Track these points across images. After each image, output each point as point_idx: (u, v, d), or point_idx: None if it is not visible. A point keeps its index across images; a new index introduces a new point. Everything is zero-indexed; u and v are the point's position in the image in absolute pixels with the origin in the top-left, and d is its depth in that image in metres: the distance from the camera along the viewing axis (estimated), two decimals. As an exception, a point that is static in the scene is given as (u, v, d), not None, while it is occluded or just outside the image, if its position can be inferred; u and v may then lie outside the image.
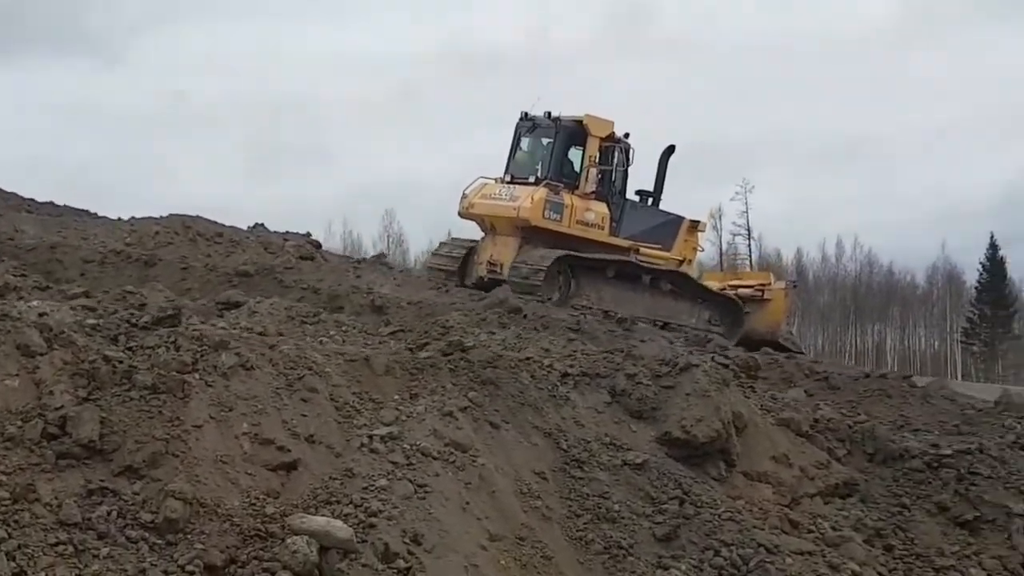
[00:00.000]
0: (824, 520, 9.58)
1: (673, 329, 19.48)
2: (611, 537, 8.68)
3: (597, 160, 20.15)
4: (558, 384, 9.82)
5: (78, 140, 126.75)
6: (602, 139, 20.25)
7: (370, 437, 8.36)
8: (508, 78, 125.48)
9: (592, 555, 8.54)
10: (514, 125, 20.88)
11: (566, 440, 9.35)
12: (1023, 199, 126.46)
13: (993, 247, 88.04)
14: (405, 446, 8.37)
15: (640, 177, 22.10)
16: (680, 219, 22.28)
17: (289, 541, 7.13)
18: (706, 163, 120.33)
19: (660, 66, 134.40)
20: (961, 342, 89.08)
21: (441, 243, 22.59)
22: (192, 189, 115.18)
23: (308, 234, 18.68)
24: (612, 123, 20.30)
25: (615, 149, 20.43)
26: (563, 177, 19.97)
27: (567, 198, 19.66)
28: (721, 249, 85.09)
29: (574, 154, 20.52)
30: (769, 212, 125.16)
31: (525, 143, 20.91)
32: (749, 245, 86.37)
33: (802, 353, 20.45)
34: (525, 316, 14.04)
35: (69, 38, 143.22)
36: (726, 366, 10.67)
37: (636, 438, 9.66)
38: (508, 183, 20.17)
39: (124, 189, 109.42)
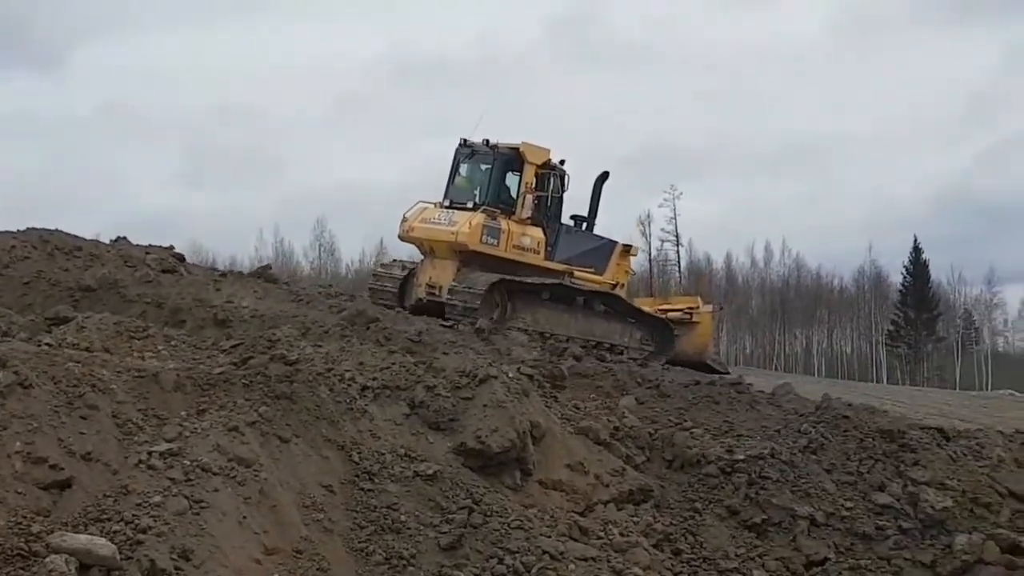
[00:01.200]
0: (615, 526, 9.85)
1: (606, 350, 20.23)
2: (394, 548, 8.88)
3: (533, 186, 20.81)
4: (357, 397, 10.00)
5: (12, 151, 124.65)
6: (538, 166, 20.88)
7: (149, 454, 8.46)
8: (451, 86, 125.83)
9: (372, 566, 8.73)
10: (453, 150, 21.52)
11: (359, 453, 9.53)
12: (954, 204, 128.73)
13: (917, 251, 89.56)
14: (185, 462, 8.47)
15: (576, 202, 22.57)
16: (613, 243, 23.00)
17: (47, 560, 7.21)
18: (651, 169, 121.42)
19: (604, 73, 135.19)
20: (886, 345, 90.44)
21: (381, 264, 23.28)
22: (129, 200, 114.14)
23: (171, 247, 18.69)
24: (548, 151, 21.12)
25: (551, 176, 21.04)
26: (500, 202, 20.53)
27: (504, 223, 20.22)
28: (650, 255, 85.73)
29: (511, 180, 21.09)
30: (707, 217, 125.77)
31: (463, 169, 21.41)
32: (678, 251, 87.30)
33: (727, 373, 20.81)
34: (368, 328, 14.21)
35: (6, 46, 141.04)
36: (530, 377, 10.90)
37: (433, 449, 9.87)
38: (447, 207, 20.65)
39: (59, 199, 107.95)
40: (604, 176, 22.42)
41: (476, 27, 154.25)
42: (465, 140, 21.19)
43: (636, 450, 10.80)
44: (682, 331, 22.34)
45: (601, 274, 21.82)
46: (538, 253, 20.65)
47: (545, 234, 20.86)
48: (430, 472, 9.52)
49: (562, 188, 21.26)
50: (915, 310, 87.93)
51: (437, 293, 20.01)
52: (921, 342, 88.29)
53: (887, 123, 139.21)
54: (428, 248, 20.64)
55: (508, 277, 19.71)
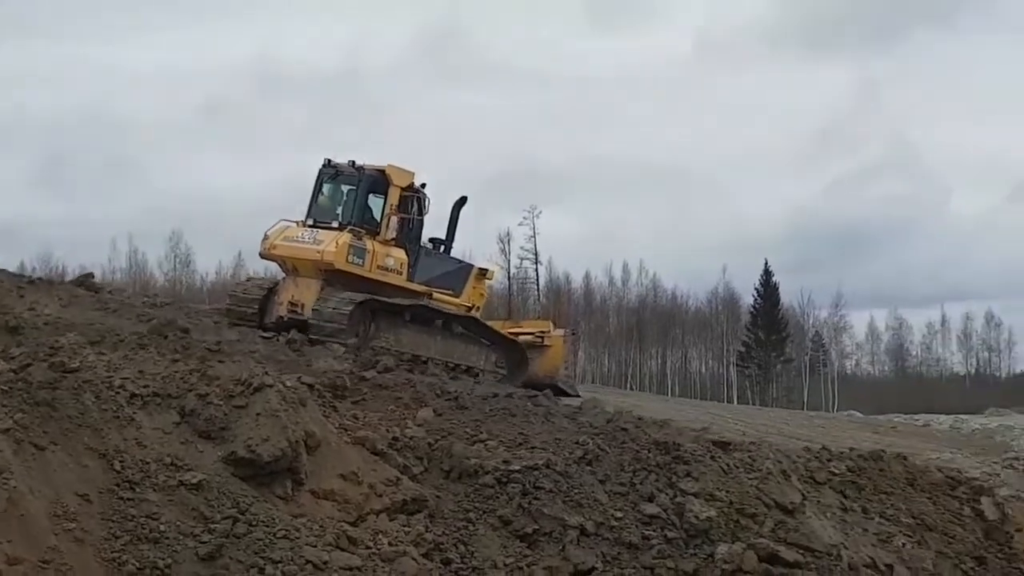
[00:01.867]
0: (384, 536, 9.87)
1: (463, 371, 20.48)
2: (148, 557, 8.73)
3: (397, 208, 21.04)
4: (125, 405, 9.83)
5: None
6: (403, 188, 21.13)
7: None
8: (316, 97, 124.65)
9: (124, 576, 8.57)
10: (316, 171, 21.54)
11: (122, 461, 9.35)
12: (806, 229, 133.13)
13: (767, 273, 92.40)
14: (-71, 470, 8.21)
15: (432, 224, 22.82)
16: (470, 266, 23.41)
17: None
18: (513, 188, 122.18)
19: (470, 91, 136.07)
20: (737, 366, 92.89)
21: (237, 283, 23.17)
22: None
23: (-27, 254, 18.16)
24: (413, 173, 21.43)
25: (414, 198, 21.37)
26: (365, 223, 20.68)
27: (369, 243, 20.39)
28: (509, 273, 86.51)
29: (374, 201, 21.27)
30: (568, 236, 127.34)
31: (327, 189, 21.48)
32: (536, 270, 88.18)
33: (577, 396, 21.50)
34: (166, 338, 13.97)
35: None
36: (311, 387, 10.87)
37: (202, 458, 9.75)
38: (311, 226, 20.63)
39: None
40: (462, 201, 22.89)
41: (345, 38, 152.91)
42: (329, 160, 21.36)
43: (415, 460, 10.85)
44: (534, 354, 22.75)
45: (458, 296, 22.19)
46: (401, 274, 20.92)
47: (408, 255, 21.11)
48: (195, 481, 9.41)
49: (422, 211, 21.62)
50: (765, 331, 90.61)
51: (300, 311, 20.04)
52: (770, 363, 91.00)
53: (745, 150, 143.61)
54: (291, 267, 20.65)
55: (374, 297, 19.88)
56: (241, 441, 9.79)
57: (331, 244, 19.80)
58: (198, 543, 8.99)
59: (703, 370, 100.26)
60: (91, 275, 22.43)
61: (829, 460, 20.15)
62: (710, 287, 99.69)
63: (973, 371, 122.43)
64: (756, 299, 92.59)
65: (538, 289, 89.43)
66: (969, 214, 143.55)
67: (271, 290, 21.00)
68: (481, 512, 10.54)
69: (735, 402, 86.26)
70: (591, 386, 71.31)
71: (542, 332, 23.62)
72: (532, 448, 12.17)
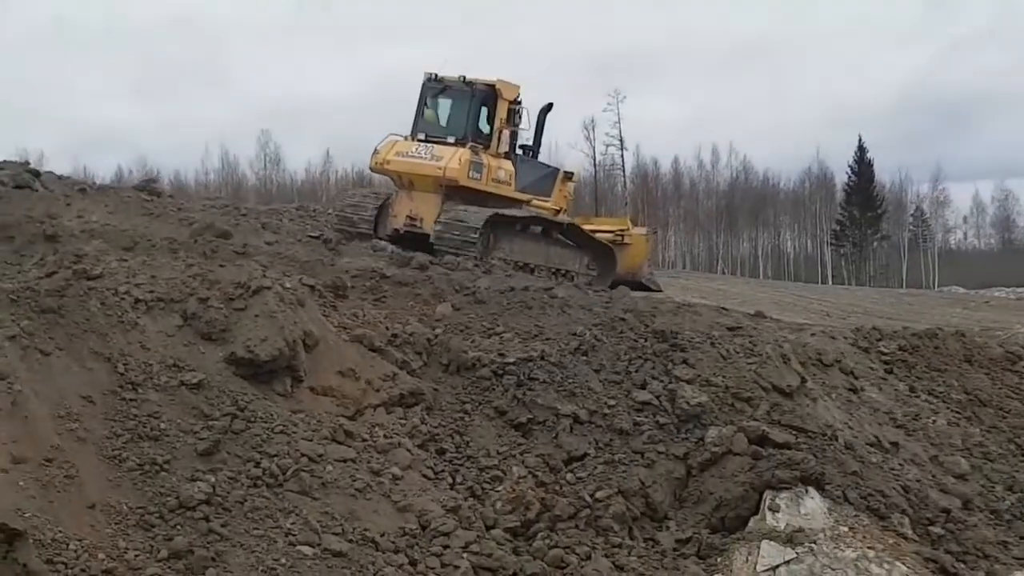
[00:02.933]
0: (381, 429, 10.24)
1: (562, 275, 21.11)
2: (148, 454, 9.22)
3: (506, 121, 21.56)
4: (129, 310, 10.26)
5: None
6: (511, 102, 21.61)
7: None
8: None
9: (123, 472, 9.07)
10: (420, 85, 21.89)
11: (125, 364, 9.82)
12: (909, 102, 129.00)
13: (861, 150, 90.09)
14: (-67, 377, 8.75)
15: None
16: (557, 170, 23.91)
17: None
18: (611, 72, 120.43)
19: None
20: (831, 245, 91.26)
21: (348, 193, 23.63)
22: (82, 112, 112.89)
23: (27, 163, 18.72)
24: (519, 87, 21.84)
25: (519, 110, 21.83)
26: (478, 138, 21.18)
27: (484, 158, 20.93)
28: (595, 160, 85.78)
29: (484, 115, 21.67)
30: (658, 121, 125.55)
31: (434, 103, 21.86)
32: (622, 156, 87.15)
33: (660, 291, 22.27)
34: (197, 242, 14.44)
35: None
36: (312, 287, 11.18)
37: (203, 359, 10.18)
38: (423, 141, 21.12)
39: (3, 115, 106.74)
40: (548, 107, 23.09)
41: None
42: (435, 75, 21.64)
43: (414, 355, 11.15)
44: (617, 252, 23.24)
45: (549, 200, 22.72)
46: (510, 185, 21.45)
47: (514, 166, 21.61)
48: (195, 381, 9.85)
49: (521, 122, 22.04)
50: (860, 208, 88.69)
51: (419, 225, 20.65)
52: (866, 241, 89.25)
53: (843, 23, 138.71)
54: (407, 181, 21.10)
55: (499, 212, 20.42)
56: (240, 342, 10.18)
57: (453, 161, 20.24)
58: (197, 439, 9.44)
59: (796, 251, 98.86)
60: (154, 180, 23.15)
61: (879, 340, 20.05)
62: (803, 167, 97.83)
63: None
64: (850, 176, 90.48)
65: (624, 175, 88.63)
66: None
67: (384, 203, 21.50)
68: (477, 403, 10.84)
69: (830, 282, 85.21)
70: (680, 272, 71.14)
71: (621, 230, 24.07)
72: (547, 340, 12.40)
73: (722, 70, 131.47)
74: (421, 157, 20.71)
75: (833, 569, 9.28)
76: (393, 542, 9.25)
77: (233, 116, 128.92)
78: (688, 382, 10.99)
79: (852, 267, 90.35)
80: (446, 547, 9.31)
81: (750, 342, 11.70)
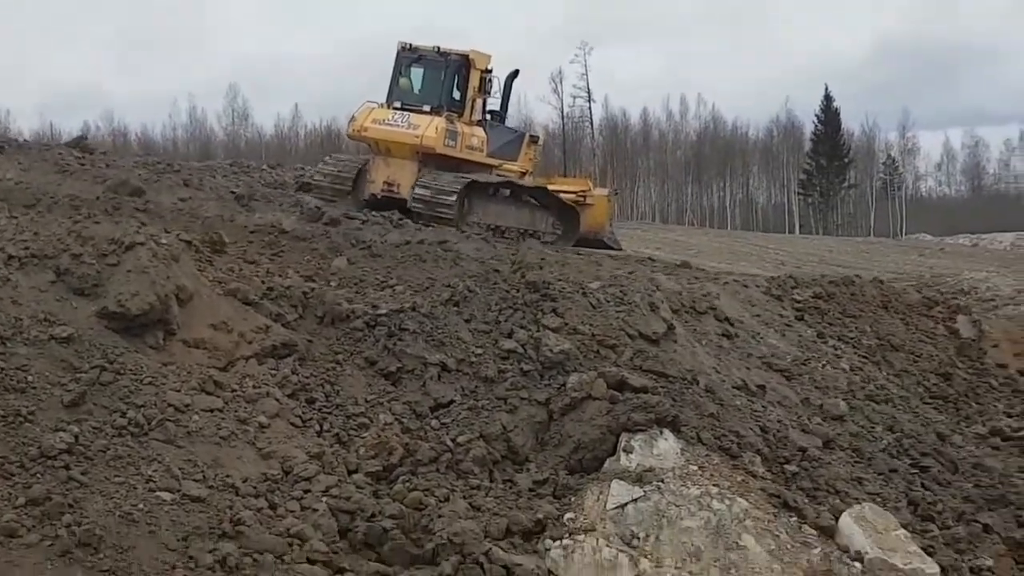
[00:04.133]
0: (251, 379, 10.55)
1: (531, 236, 21.95)
2: (13, 406, 9.49)
3: (479, 90, 22.31)
4: (2, 266, 10.49)
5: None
6: (483, 71, 22.32)
7: None
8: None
9: (-14, 425, 9.35)
10: (395, 55, 22.55)
11: (-6, 319, 10.07)
12: (881, 51, 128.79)
13: (828, 99, 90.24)
14: None
15: None
16: (523, 134, 24.95)
17: None
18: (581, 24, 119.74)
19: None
20: (798, 194, 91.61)
21: (325, 160, 24.01)
22: (50, 69, 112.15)
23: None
24: (490, 56, 22.52)
25: (490, 79, 22.56)
26: (452, 106, 21.87)
27: (459, 126, 21.65)
28: (563, 113, 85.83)
29: (457, 84, 22.31)
30: (628, 73, 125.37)
31: (409, 73, 22.47)
32: (590, 107, 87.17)
33: (620, 250, 23.46)
34: (99, 200, 14.65)
35: None
36: (189, 243, 11.43)
37: (75, 314, 10.45)
38: (399, 110, 21.78)
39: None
40: (515, 73, 23.88)
41: None
42: (409, 44, 22.41)
43: (289, 308, 11.44)
44: (580, 212, 24.14)
45: (516, 163, 23.50)
46: (482, 151, 22.21)
47: (485, 132, 22.35)
48: (65, 335, 10.12)
49: (491, 90, 22.81)
50: (827, 158, 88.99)
51: (396, 191, 21.34)
52: (833, 190, 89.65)
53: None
54: (384, 148, 21.77)
55: (475, 179, 21.22)
56: (112, 296, 10.45)
57: (430, 129, 20.94)
58: (63, 391, 9.73)
59: (765, 201, 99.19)
60: (84, 137, 23.28)
61: (794, 288, 20.45)
62: (771, 117, 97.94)
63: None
64: (817, 125, 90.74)
65: (592, 127, 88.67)
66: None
67: (362, 169, 22.15)
68: (349, 354, 11.16)
69: (797, 231, 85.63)
70: (645, 224, 71.44)
71: (583, 191, 24.94)
72: (428, 291, 12.70)
73: (693, 20, 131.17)
74: (398, 125, 21.38)
75: (677, 506, 9.67)
76: (254, 487, 9.59)
77: (204, 72, 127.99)
78: (554, 330, 11.32)
79: (819, 216, 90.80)
80: (307, 491, 9.66)
81: (620, 291, 12.02)
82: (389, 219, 18.34)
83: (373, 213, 18.99)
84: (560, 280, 12.11)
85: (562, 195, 24.09)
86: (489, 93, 22.56)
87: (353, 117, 22.31)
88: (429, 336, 11.28)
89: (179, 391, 10.13)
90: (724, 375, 12.12)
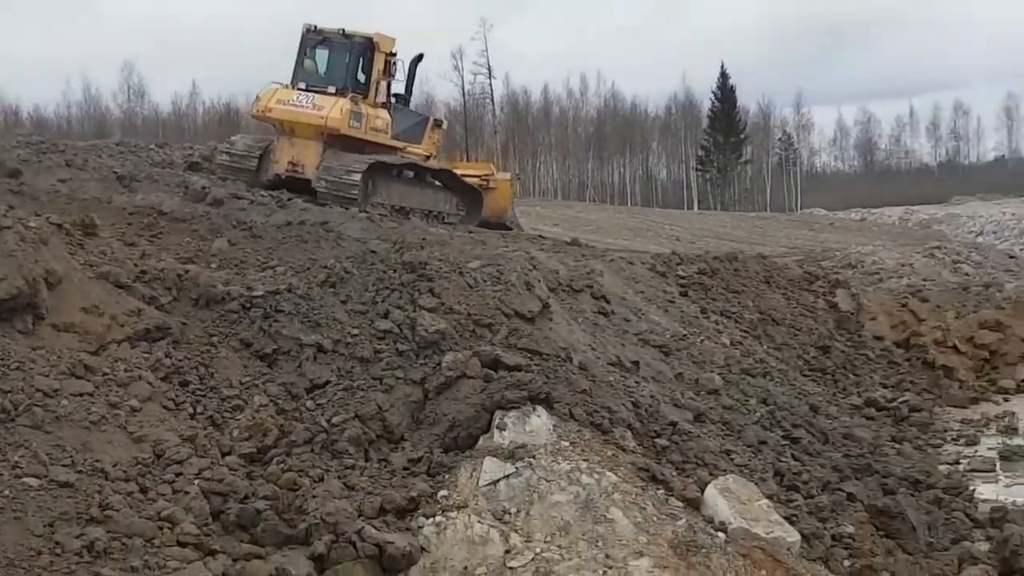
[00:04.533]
0: (123, 363, 10.46)
1: (434, 217, 22.68)
2: None
3: (383, 73, 22.73)
4: None
5: None
6: (387, 54, 22.77)
7: None
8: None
9: None
10: (300, 36, 22.86)
11: None
12: (775, 27, 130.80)
13: (723, 76, 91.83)
14: None
15: None
16: (427, 118, 25.71)
17: None
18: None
19: None
20: (696, 170, 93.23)
21: (231, 140, 24.23)
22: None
23: None
24: (395, 40, 23.02)
25: (394, 62, 23.06)
26: (356, 88, 22.21)
27: (364, 108, 22.00)
28: (464, 90, 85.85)
29: (363, 66, 22.74)
30: (530, 50, 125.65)
31: (314, 54, 22.72)
32: (491, 84, 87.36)
33: (522, 231, 24.59)
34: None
35: None
36: (59, 226, 11.29)
37: (-60, 300, 10.23)
38: (304, 91, 21.99)
39: None
40: (419, 58, 24.44)
41: None
42: (314, 26, 22.68)
43: (163, 291, 11.37)
44: (484, 195, 24.92)
45: (419, 146, 24.09)
46: (387, 133, 22.73)
47: (390, 114, 22.83)
48: (-75, 321, 9.92)
49: (395, 73, 23.35)
50: (723, 134, 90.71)
51: (300, 171, 21.70)
52: (730, 166, 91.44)
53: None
54: (289, 129, 22.02)
55: (379, 159, 21.59)
56: (-25, 282, 10.25)
57: (335, 110, 21.30)
58: (-78, 379, 9.55)
59: (665, 177, 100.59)
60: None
61: (678, 264, 20.87)
62: (670, 94, 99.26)
63: (943, 160, 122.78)
64: (713, 102, 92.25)
65: (493, 104, 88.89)
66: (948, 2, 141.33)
67: (267, 148, 22.32)
68: (224, 336, 11.15)
69: (696, 207, 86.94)
70: (545, 200, 71.89)
71: (486, 175, 25.77)
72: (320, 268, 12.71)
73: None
74: (303, 106, 21.69)
75: (548, 481, 9.87)
76: (124, 471, 9.53)
77: (98, 47, 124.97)
78: (430, 310, 11.44)
79: (717, 192, 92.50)
80: (179, 474, 9.63)
81: (497, 271, 12.18)
82: (278, 199, 18.30)
83: (262, 193, 18.93)
84: (438, 260, 12.22)
85: (466, 179, 24.65)
86: (394, 76, 22.99)
87: (258, 97, 22.57)
88: (305, 317, 11.32)
89: (48, 376, 10.00)
90: (599, 352, 12.38)
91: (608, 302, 14.30)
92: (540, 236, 24.12)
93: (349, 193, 20.68)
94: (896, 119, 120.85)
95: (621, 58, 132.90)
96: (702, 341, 15.53)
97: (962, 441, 17.32)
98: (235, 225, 14.18)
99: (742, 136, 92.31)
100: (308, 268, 13.00)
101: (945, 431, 18.04)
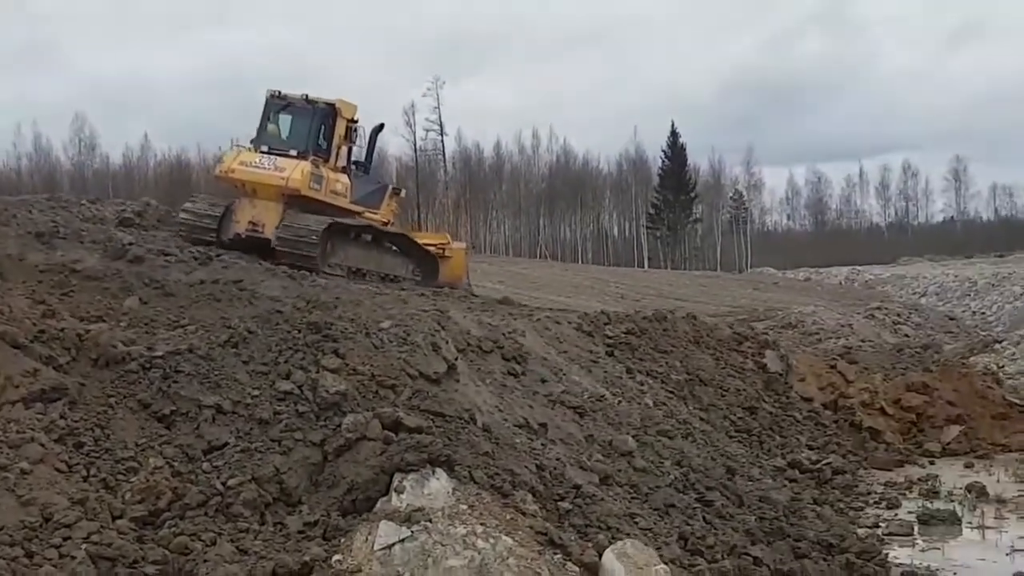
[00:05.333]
0: (16, 424, 10.30)
1: (391, 280, 23.15)
2: None
3: (344, 138, 23.40)
4: None
5: None
6: (348, 120, 23.42)
7: None
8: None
9: None
10: (264, 101, 23.48)
11: None
12: (729, 89, 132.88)
13: (674, 134, 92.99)
14: None
15: None
16: (386, 186, 26.71)
17: None
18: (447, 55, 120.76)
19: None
20: (647, 227, 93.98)
21: (192, 199, 24.46)
22: None
23: None
24: (356, 106, 23.72)
25: (355, 128, 23.72)
26: (318, 152, 22.80)
27: (324, 171, 22.58)
28: (415, 146, 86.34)
29: (324, 131, 23.40)
30: (488, 106, 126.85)
31: (277, 119, 23.37)
32: (442, 140, 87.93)
33: (476, 296, 24.76)
34: None
35: None
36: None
37: None
38: (267, 153, 22.57)
39: None
40: (380, 127, 25.70)
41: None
42: (278, 92, 23.35)
43: (61, 351, 11.24)
44: (440, 262, 25.75)
45: (378, 212, 24.79)
46: (346, 197, 23.32)
47: (350, 179, 23.47)
48: None
49: (357, 139, 24.12)
50: (673, 192, 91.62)
51: (260, 231, 22.17)
52: (680, 224, 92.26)
53: (671, 9, 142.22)
54: (250, 190, 22.50)
55: (337, 220, 22.17)
56: None
57: (296, 172, 21.90)
58: None
59: (616, 234, 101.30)
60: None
61: (606, 324, 20.92)
62: (622, 150, 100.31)
63: (892, 221, 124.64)
64: (664, 160, 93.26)
65: (444, 159, 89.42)
66: (897, 66, 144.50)
67: (227, 209, 22.68)
68: (122, 397, 11.02)
69: (646, 265, 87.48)
70: (493, 257, 72.11)
71: (443, 244, 26.65)
72: (233, 326, 12.63)
73: (549, 56, 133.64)
74: (265, 168, 22.30)
75: (444, 545, 9.78)
76: (10, 535, 9.33)
77: (51, 97, 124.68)
78: (333, 371, 11.39)
79: (668, 250, 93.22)
80: (67, 538, 9.44)
81: (404, 331, 12.17)
82: (206, 255, 18.29)
83: (190, 250, 19.01)
84: (346, 320, 12.20)
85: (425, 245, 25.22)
86: (354, 142, 23.75)
87: (221, 159, 23.39)
88: (205, 378, 11.23)
89: (-68, 440, 9.84)
90: (506, 413, 12.36)
91: (521, 362, 14.31)
92: (472, 294, 24.27)
93: (309, 252, 21.17)
94: (846, 179, 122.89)
95: (573, 113, 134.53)
96: (619, 403, 15.53)
97: (883, 504, 17.36)
98: (147, 283, 14.09)
99: (692, 195, 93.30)
100: (220, 327, 12.92)
101: (868, 493, 18.09)
